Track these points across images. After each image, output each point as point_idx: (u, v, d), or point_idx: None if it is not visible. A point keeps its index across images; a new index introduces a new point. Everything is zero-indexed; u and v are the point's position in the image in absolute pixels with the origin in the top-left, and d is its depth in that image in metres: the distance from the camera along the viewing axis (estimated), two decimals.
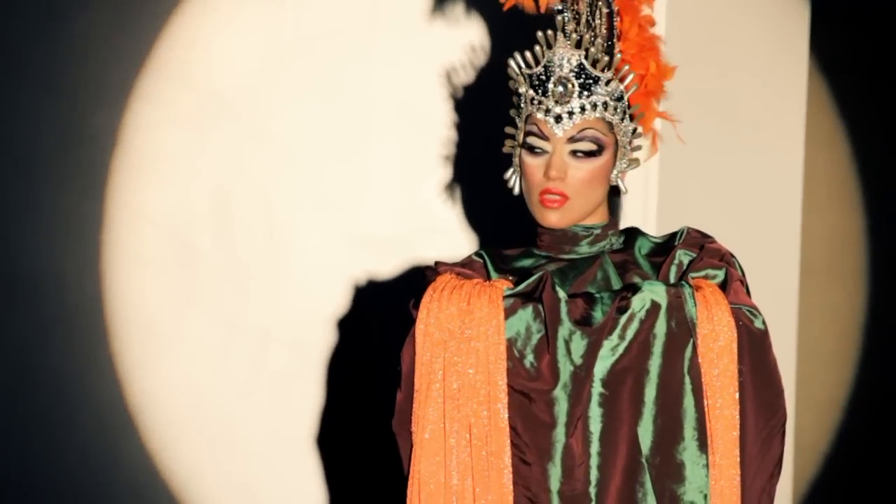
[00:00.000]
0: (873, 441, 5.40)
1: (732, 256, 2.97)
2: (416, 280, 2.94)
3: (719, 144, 4.31)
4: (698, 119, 4.21)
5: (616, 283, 2.95)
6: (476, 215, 4.09)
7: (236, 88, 4.22)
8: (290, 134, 4.21)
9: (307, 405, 4.20)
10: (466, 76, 4.08)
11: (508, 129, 2.98)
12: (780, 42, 4.47)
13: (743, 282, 2.94)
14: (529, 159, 2.92)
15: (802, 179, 4.49)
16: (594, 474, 2.79)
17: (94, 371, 4.26)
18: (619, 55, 2.95)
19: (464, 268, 2.97)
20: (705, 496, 2.80)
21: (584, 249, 2.99)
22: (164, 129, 4.24)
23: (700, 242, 2.98)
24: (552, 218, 2.92)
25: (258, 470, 4.22)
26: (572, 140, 2.90)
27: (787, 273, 4.47)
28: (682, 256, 2.96)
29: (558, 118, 2.90)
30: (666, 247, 3.00)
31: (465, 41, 4.07)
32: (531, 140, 2.91)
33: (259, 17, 4.21)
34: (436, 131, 4.14)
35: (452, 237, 4.09)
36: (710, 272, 2.91)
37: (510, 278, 2.91)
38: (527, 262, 3.01)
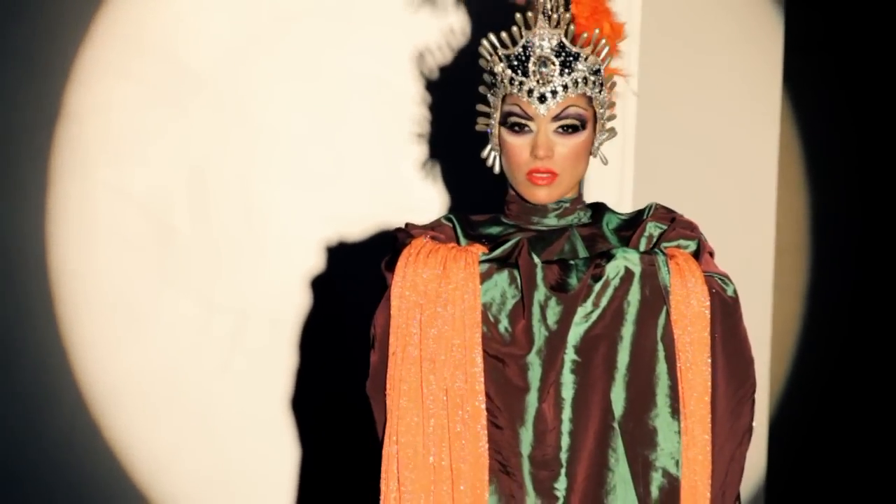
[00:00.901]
0: (820, 408, 5.46)
1: (697, 229, 2.99)
2: (388, 241, 2.94)
3: (697, 128, 4.33)
4: (677, 104, 4.24)
5: (584, 255, 2.95)
6: (450, 193, 4.10)
7: (214, 67, 4.22)
8: (268, 113, 4.22)
9: (284, 382, 4.21)
10: (442, 58, 4.09)
11: (481, 107, 2.98)
12: (755, 31, 4.49)
13: (712, 253, 2.96)
14: (512, 138, 2.93)
15: (777, 160, 4.52)
16: (565, 440, 2.80)
17: (71, 348, 4.25)
18: (598, 31, 2.97)
19: (433, 230, 2.97)
20: (677, 462, 2.81)
21: (552, 221, 3.00)
22: (141, 108, 4.23)
23: (670, 216, 3.00)
24: (541, 194, 2.94)
25: (235, 446, 4.22)
26: (557, 118, 2.91)
27: (763, 251, 4.48)
28: (653, 229, 2.98)
29: (542, 97, 2.91)
30: (634, 222, 3.02)
31: (441, 23, 4.08)
32: (514, 119, 2.92)
33: None
34: (411, 111, 4.15)
35: (428, 216, 4.07)
36: (683, 242, 2.93)
37: (485, 243, 2.91)
38: (495, 230, 3.01)
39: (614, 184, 4.10)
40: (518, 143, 2.93)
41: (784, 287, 5.04)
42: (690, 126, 4.29)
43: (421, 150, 4.14)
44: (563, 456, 2.79)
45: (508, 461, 2.79)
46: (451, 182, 4.10)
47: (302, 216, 4.20)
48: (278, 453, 4.20)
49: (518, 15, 2.94)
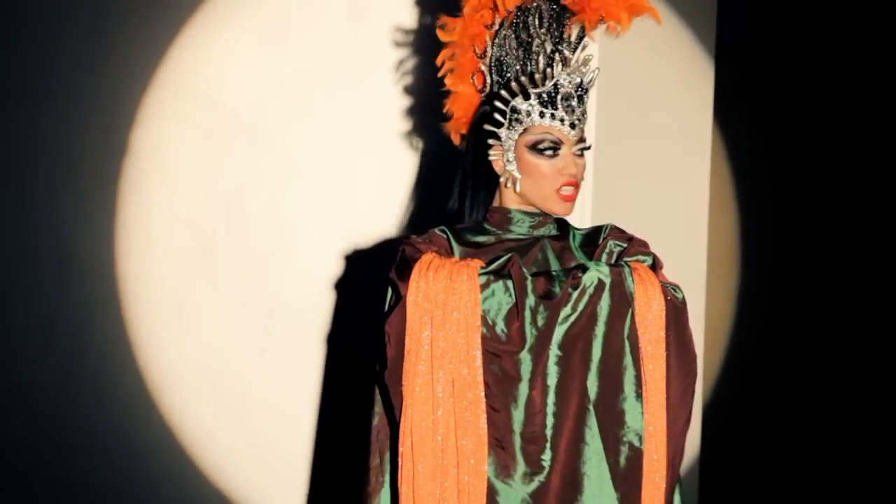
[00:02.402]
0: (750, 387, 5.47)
1: (649, 247, 3.02)
2: (391, 251, 2.97)
3: (643, 158, 4.33)
4: (628, 138, 4.24)
5: (554, 264, 2.98)
6: (444, 214, 4.10)
7: (250, 109, 4.21)
8: (293, 147, 4.20)
9: (308, 370, 4.20)
10: (439, 102, 4.09)
11: (492, 141, 2.98)
12: (691, 77, 4.50)
13: (662, 267, 2.99)
14: (542, 161, 2.94)
15: (709, 185, 4.52)
16: (550, 420, 2.82)
17: (133, 340, 4.25)
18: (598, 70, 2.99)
19: (431, 241, 2.99)
20: (640, 437, 2.84)
21: (525, 231, 3.01)
22: (190, 144, 4.23)
23: (627, 235, 3.03)
24: (567, 208, 2.97)
25: (267, 426, 4.21)
26: (579, 141, 2.95)
27: (697, 261, 4.50)
28: (613, 247, 3.01)
29: (573, 125, 2.94)
30: (593, 238, 3.05)
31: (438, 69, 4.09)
32: (546, 145, 2.93)
33: (267, 52, 4.20)
34: (414, 146, 4.14)
35: (424, 228, 4.08)
36: (641, 257, 2.97)
37: (482, 258, 2.92)
38: (480, 238, 3.02)
39: (577, 203, 4.10)
40: (547, 164, 2.95)
41: (716, 290, 5.05)
42: (638, 156, 4.30)
43: (422, 179, 4.13)
44: (549, 433, 2.82)
45: (504, 438, 2.82)
46: (441, 202, 4.10)
47: (322, 231, 4.20)
48: (302, 429, 4.20)
49: (550, 57, 2.96)
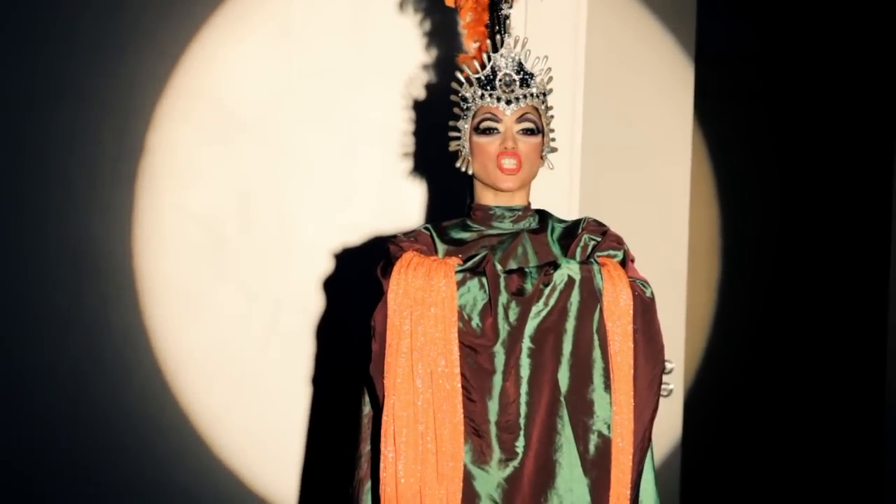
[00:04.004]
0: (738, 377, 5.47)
1: (623, 242, 3.00)
2: (380, 248, 2.98)
3: (627, 155, 4.33)
4: (613, 136, 4.24)
5: (532, 259, 2.96)
6: (436, 209, 4.10)
7: (256, 112, 4.21)
8: (298, 147, 4.20)
9: (308, 357, 4.20)
10: (432, 102, 4.09)
11: (452, 133, 3.00)
12: (670, 79, 4.50)
13: (633, 259, 2.98)
14: (483, 139, 2.94)
15: (690, 181, 4.52)
16: (523, 409, 2.82)
17: (148, 328, 4.26)
18: (546, 57, 3.00)
19: (416, 239, 2.98)
20: (608, 426, 2.83)
21: (507, 226, 3.00)
22: (199, 144, 4.23)
23: (602, 230, 3.00)
24: (509, 182, 2.95)
25: (273, 408, 4.22)
26: (519, 119, 2.93)
27: (678, 254, 4.50)
28: (588, 240, 2.98)
29: (508, 102, 2.93)
30: (571, 231, 3.01)
31: (434, 74, 4.07)
32: (486, 124, 2.93)
33: (273, 58, 4.21)
34: (407, 147, 4.15)
35: (414, 224, 4.07)
36: (612, 252, 2.94)
37: (459, 256, 2.92)
38: (464, 235, 3.01)
39: (565, 196, 4.09)
40: (488, 142, 2.94)
41: (697, 281, 5.04)
42: (622, 153, 4.30)
43: (413, 177, 4.13)
44: (522, 422, 2.82)
45: (480, 427, 2.81)
46: (433, 201, 4.11)
47: (323, 227, 4.20)
48: (303, 411, 4.21)
49: (488, 41, 2.98)
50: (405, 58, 4.10)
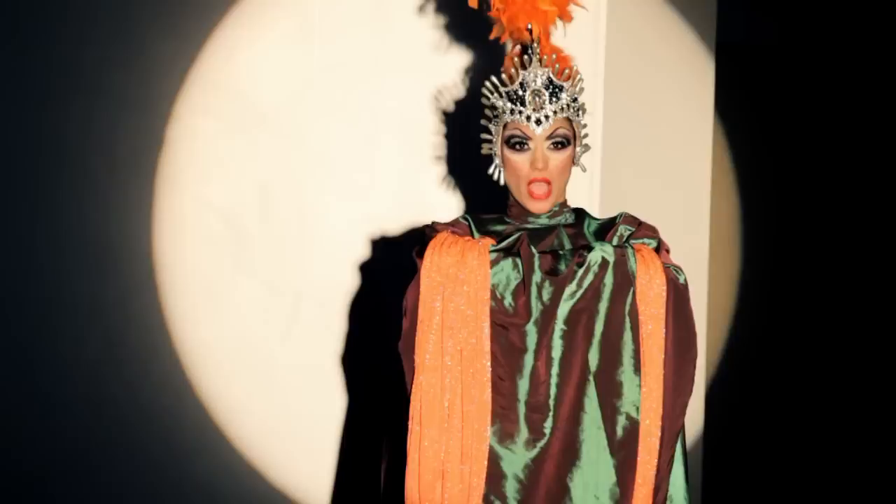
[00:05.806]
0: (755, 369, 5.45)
1: (658, 232, 3.02)
2: (417, 236, 2.99)
3: (648, 148, 4.33)
4: (633, 130, 4.25)
5: (568, 246, 2.98)
6: (460, 201, 4.11)
7: (276, 105, 4.21)
8: (318, 140, 4.21)
9: (331, 349, 4.21)
10: (452, 95, 4.09)
11: (485, 136, 3.00)
12: (690, 71, 4.50)
13: (668, 250, 3.00)
14: (514, 156, 2.96)
15: (710, 174, 4.52)
16: (553, 390, 2.83)
17: (169, 320, 4.26)
18: (575, 66, 2.99)
19: (454, 227, 3.00)
20: (637, 408, 2.84)
21: (543, 221, 3.02)
22: (220, 137, 4.24)
23: (637, 221, 3.03)
24: (539, 206, 2.97)
25: (293, 397, 4.22)
26: (549, 137, 2.94)
27: (700, 246, 4.50)
28: (623, 231, 3.01)
29: (538, 122, 2.94)
30: (607, 226, 3.04)
31: (453, 66, 4.08)
32: (516, 140, 2.94)
33: (293, 51, 4.21)
34: (428, 138, 4.15)
35: (442, 219, 4.08)
36: (647, 240, 2.96)
37: (493, 237, 2.94)
38: (500, 227, 3.04)
39: (586, 189, 4.10)
40: (519, 159, 2.96)
41: (718, 272, 5.04)
42: (643, 147, 4.30)
43: (437, 167, 4.14)
44: (551, 402, 2.83)
45: (509, 406, 2.83)
46: (462, 191, 4.11)
47: (343, 219, 4.21)
48: (325, 402, 4.21)
49: (515, 59, 2.97)
50: (425, 50, 4.12)
